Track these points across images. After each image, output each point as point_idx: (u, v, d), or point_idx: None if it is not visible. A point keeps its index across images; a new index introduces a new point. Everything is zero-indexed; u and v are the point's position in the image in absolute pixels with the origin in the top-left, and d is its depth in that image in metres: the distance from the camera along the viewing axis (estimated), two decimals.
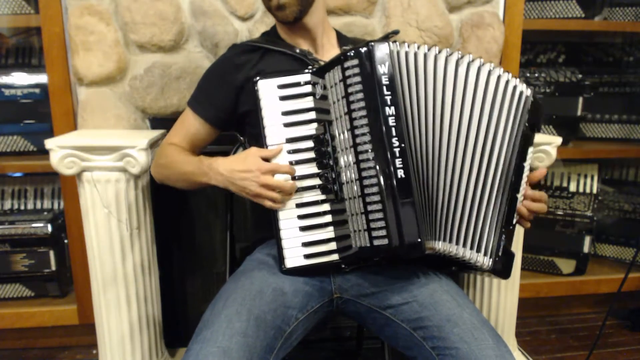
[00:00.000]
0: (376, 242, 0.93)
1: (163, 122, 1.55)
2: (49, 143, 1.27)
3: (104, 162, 1.30)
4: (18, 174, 1.92)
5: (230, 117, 1.20)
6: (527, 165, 1.05)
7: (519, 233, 1.60)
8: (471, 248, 0.99)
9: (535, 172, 1.08)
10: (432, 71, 0.97)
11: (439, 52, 0.97)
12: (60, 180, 1.73)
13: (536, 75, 2.01)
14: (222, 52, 1.49)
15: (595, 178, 2.09)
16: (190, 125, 1.21)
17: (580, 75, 2.00)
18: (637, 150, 2.12)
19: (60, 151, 1.27)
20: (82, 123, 1.53)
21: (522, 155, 1.02)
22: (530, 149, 1.06)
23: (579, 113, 2.02)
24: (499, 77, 1.00)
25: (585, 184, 2.09)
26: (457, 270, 1.09)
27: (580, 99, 2.00)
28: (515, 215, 1.04)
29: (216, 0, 1.50)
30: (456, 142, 0.97)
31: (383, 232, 0.92)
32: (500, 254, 1.01)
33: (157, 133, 1.45)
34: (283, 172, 0.99)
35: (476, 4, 1.65)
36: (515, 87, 1.01)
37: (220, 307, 0.93)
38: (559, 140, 1.51)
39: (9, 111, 1.77)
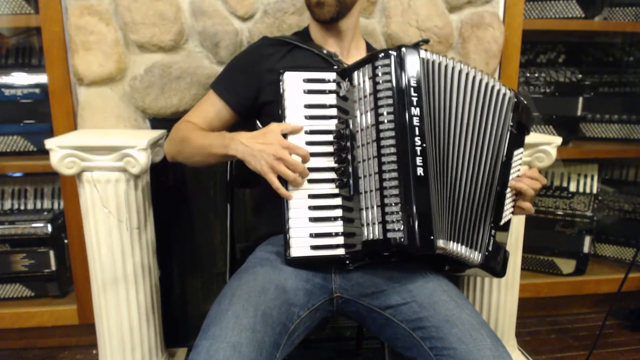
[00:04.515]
0: (390, 235, 0.94)
1: (163, 122, 1.55)
2: (49, 143, 1.27)
3: (104, 162, 1.30)
4: (18, 174, 1.92)
5: (252, 105, 1.23)
6: (515, 165, 1.09)
7: (519, 233, 1.60)
8: (470, 246, 1.01)
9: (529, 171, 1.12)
10: (449, 80, 1.02)
11: (463, 65, 1.04)
12: (60, 180, 1.73)
13: (536, 75, 2.01)
14: (222, 53, 1.51)
15: (595, 178, 2.09)
16: (212, 107, 1.24)
17: (580, 75, 2.00)
18: (637, 150, 2.12)
19: (60, 151, 1.27)
20: (82, 123, 1.53)
21: (509, 154, 1.07)
22: (519, 150, 1.11)
23: (579, 113, 2.02)
24: (480, 81, 1.05)
25: (585, 184, 2.09)
26: (448, 271, 1.11)
27: (580, 99, 2.00)
28: (504, 214, 1.07)
29: (216, 0, 1.50)
30: (464, 145, 1.02)
31: (399, 226, 0.93)
32: (490, 248, 1.05)
33: (157, 133, 1.45)
34: (299, 154, 1.00)
35: (476, 4, 1.65)
36: (493, 88, 1.06)
37: (226, 304, 0.93)
38: (559, 140, 1.51)
39: (9, 111, 1.77)
